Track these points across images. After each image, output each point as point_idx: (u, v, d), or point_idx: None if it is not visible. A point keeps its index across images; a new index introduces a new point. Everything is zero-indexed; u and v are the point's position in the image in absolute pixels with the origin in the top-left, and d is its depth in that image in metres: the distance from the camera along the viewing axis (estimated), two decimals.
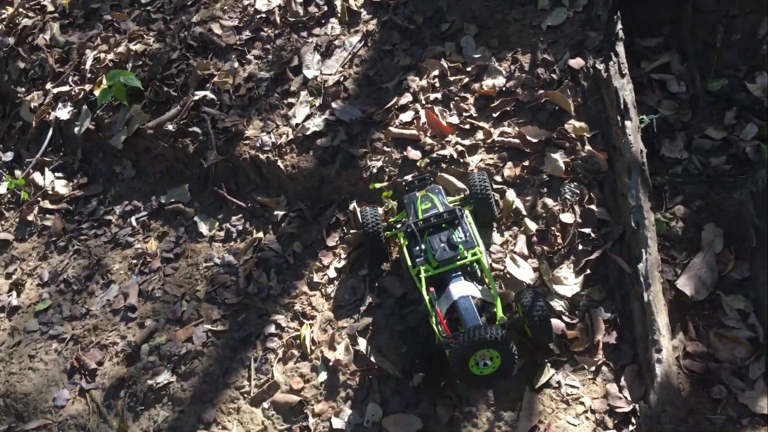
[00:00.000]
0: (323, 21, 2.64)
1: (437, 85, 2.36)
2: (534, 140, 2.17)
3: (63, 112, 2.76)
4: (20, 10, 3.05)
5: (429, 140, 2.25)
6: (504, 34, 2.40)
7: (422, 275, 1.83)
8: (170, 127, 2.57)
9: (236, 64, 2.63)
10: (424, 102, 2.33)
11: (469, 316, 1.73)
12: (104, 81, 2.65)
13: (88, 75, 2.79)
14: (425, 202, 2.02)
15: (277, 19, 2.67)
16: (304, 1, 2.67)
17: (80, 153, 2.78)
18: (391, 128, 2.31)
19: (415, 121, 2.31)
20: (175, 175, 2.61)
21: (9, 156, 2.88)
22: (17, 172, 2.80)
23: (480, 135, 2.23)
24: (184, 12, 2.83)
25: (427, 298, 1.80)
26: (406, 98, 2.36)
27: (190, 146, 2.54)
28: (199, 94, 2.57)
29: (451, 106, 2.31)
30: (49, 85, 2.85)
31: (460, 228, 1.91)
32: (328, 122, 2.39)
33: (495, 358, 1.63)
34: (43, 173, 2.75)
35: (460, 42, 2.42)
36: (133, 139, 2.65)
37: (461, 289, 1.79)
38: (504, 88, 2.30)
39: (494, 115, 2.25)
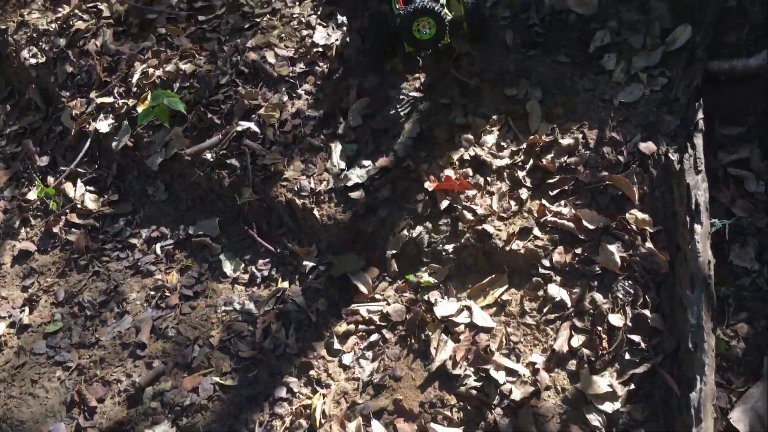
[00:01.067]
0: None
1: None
2: (590, 226, 2.00)
3: (103, 125, 2.67)
4: (76, 11, 2.98)
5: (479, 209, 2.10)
6: (571, 103, 2.23)
7: None
8: (209, 155, 2.46)
9: (285, 98, 2.50)
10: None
11: None
12: (149, 98, 2.55)
13: (134, 89, 2.70)
14: None
15: (334, 55, 2.55)
16: (363, 40, 2.53)
17: (115, 168, 2.68)
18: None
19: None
20: (207, 205, 2.50)
21: (45, 161, 2.80)
22: (50, 179, 2.72)
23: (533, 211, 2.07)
24: (239, 34, 2.72)
25: None
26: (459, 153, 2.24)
27: (226, 179, 2.43)
28: (243, 125, 2.45)
29: (505, 175, 2.15)
30: (93, 94, 2.76)
31: None
32: (371, 175, 2.25)
33: (431, 27, 2.19)
34: (75, 184, 2.66)
35: (525, 107, 2.26)
36: (170, 162, 2.54)
37: None
38: (564, 164, 2.13)
39: (551, 193, 2.09)
